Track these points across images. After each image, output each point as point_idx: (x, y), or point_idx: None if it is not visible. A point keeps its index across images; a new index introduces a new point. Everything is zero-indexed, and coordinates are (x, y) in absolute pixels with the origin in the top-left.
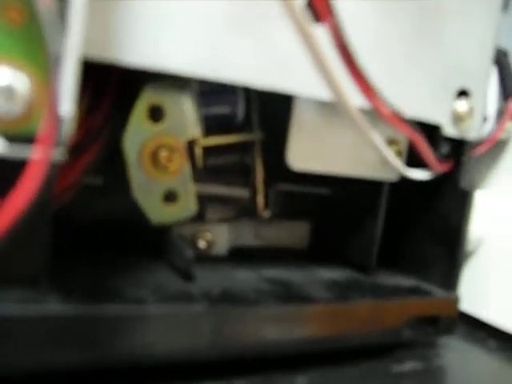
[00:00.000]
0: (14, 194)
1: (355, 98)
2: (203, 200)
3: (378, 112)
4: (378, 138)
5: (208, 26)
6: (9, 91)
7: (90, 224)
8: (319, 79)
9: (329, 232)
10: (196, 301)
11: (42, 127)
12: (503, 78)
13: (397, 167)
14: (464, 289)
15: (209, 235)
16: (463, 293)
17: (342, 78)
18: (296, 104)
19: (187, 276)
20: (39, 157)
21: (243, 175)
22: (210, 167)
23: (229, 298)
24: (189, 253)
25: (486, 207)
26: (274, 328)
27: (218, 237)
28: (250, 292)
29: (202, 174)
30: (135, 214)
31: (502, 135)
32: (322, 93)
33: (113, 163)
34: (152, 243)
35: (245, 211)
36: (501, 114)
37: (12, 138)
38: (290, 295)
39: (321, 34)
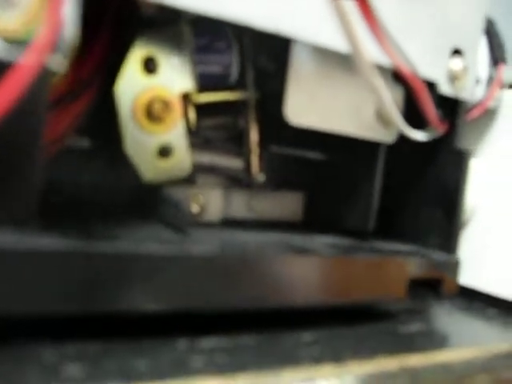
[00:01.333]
0: None
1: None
2: (195, 169)
3: (396, 67)
4: (387, 96)
5: None
6: None
7: (77, 187)
8: (337, 29)
9: (324, 200)
10: (195, 246)
11: (40, 29)
12: (492, 46)
13: (402, 128)
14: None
15: (201, 198)
16: None
17: (360, 31)
18: (293, 57)
19: (181, 230)
20: (32, 59)
21: (236, 144)
22: (203, 129)
23: (229, 249)
24: (183, 206)
25: (478, 176)
26: (279, 279)
27: (211, 202)
28: (251, 245)
29: (194, 141)
30: (124, 177)
31: (492, 103)
32: (338, 44)
33: (99, 125)
34: (142, 204)
35: (237, 182)
36: (491, 81)
37: (9, 41)
38: (294, 249)
39: None
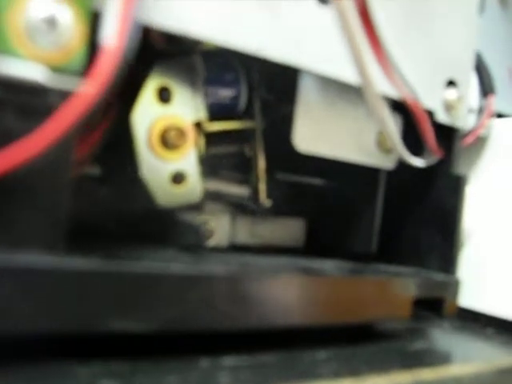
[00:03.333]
0: (53, 121)
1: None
2: (203, 195)
3: (401, 97)
4: (392, 125)
5: None
6: (51, 22)
7: (90, 213)
8: (347, 61)
9: (326, 226)
10: (216, 266)
11: (96, 60)
12: (481, 78)
13: (403, 154)
14: None
15: (211, 224)
16: None
17: (370, 63)
18: (301, 87)
19: (200, 252)
20: (88, 90)
21: (241, 172)
22: (211, 157)
23: (247, 268)
24: (202, 230)
25: (471, 200)
26: (290, 299)
27: (219, 227)
28: (264, 266)
29: (202, 169)
30: (135, 203)
31: (483, 131)
32: (346, 74)
33: (109, 153)
34: (156, 228)
35: (241, 208)
36: (482, 111)
37: (54, 70)
38: (305, 270)
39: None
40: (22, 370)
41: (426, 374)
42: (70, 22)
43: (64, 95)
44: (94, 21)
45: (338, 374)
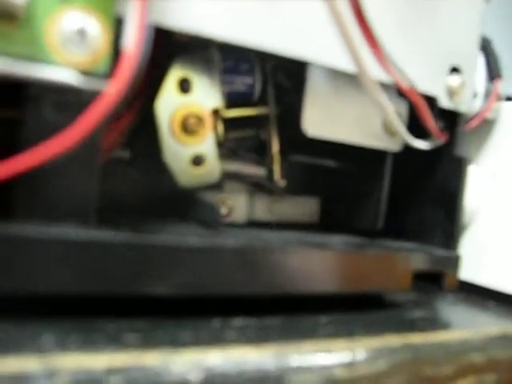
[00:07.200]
0: (84, 117)
1: (373, 70)
2: (223, 176)
3: (397, 84)
4: (391, 109)
5: None
6: (82, 33)
7: (120, 193)
8: (342, 50)
9: (337, 204)
10: (227, 239)
11: (118, 64)
12: (488, 62)
13: (405, 137)
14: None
15: (229, 202)
16: None
17: (363, 51)
18: (310, 75)
19: (215, 227)
20: (112, 90)
21: (258, 154)
22: (229, 141)
23: (255, 243)
24: (217, 208)
25: (479, 181)
26: (298, 269)
27: (237, 205)
28: (275, 240)
29: (222, 152)
30: (161, 183)
31: (490, 114)
32: (344, 64)
33: (138, 137)
34: (177, 206)
35: (260, 188)
36: (488, 94)
37: (84, 73)
38: (310, 244)
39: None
40: (59, 323)
41: (415, 338)
42: (97, 32)
43: (93, 94)
44: (117, 27)
45: (334, 335)
